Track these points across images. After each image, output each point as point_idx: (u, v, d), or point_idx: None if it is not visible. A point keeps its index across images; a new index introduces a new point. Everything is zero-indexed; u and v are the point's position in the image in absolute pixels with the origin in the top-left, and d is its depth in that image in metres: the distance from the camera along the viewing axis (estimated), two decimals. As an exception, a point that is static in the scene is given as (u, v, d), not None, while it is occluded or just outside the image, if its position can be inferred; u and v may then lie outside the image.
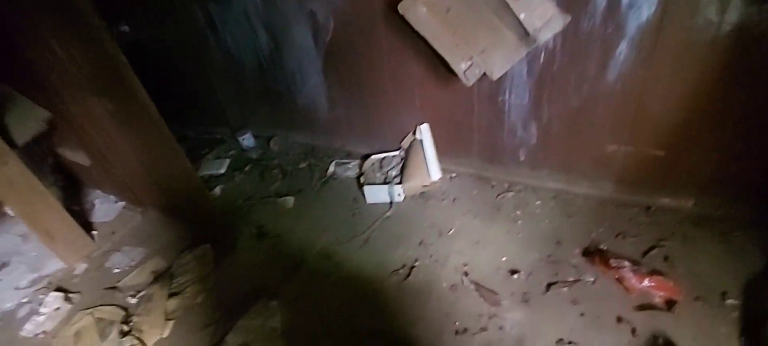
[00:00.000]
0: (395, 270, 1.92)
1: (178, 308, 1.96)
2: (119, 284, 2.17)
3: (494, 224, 2.05)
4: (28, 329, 1.99)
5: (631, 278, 1.61)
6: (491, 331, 1.61)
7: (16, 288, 2.30)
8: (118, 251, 2.42)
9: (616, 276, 1.65)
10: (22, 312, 2.13)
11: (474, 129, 2.18)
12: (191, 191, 2.27)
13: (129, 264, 2.30)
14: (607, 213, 1.98)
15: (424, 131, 2.31)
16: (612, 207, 2.00)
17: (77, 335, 1.94)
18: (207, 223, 2.35)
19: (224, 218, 2.48)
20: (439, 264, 1.91)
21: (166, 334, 1.86)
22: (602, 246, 1.82)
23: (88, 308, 2.06)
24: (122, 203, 2.77)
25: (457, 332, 1.63)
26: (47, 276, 2.34)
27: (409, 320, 1.71)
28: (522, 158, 2.15)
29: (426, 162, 2.26)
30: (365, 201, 2.37)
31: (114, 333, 1.89)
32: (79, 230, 2.36)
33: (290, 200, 2.51)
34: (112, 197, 2.84)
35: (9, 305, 2.20)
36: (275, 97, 2.87)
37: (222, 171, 2.94)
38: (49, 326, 2.01)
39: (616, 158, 1.92)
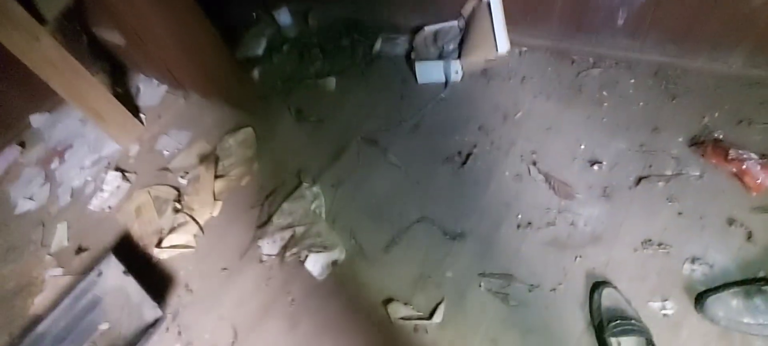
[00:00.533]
0: (449, 157, 1.71)
1: (225, 190, 1.97)
2: (170, 166, 2.21)
3: (572, 106, 1.71)
4: (95, 203, 2.14)
5: (756, 172, 1.27)
6: (560, 226, 1.42)
7: (81, 167, 2.44)
8: (166, 134, 2.43)
9: (735, 170, 1.32)
10: (88, 189, 2.28)
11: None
12: (228, 74, 2.13)
13: (176, 147, 2.31)
14: (729, 94, 1.55)
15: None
16: (736, 86, 1.56)
17: (137, 210, 2.04)
18: (247, 106, 2.24)
19: (264, 101, 2.35)
20: (502, 152, 1.66)
21: (216, 213, 1.89)
22: (717, 134, 1.45)
23: (144, 187, 2.14)
24: (165, 87, 2.73)
25: (518, 226, 1.46)
26: (106, 157, 2.45)
27: (462, 210, 1.55)
28: (620, 22, 1.69)
29: (492, 31, 1.86)
30: (416, 81, 2.09)
31: (169, 210, 1.96)
32: (126, 113, 2.36)
33: (332, 82, 2.29)
34: (154, 80, 2.80)
35: (77, 182, 2.36)
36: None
37: (259, 52, 2.73)
38: (112, 202, 2.14)
39: (761, 17, 1.42)
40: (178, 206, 1.94)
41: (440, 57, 2.02)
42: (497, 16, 1.86)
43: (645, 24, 1.64)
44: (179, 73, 2.43)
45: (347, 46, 2.49)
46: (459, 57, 1.95)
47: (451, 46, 2.04)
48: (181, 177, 2.10)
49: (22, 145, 2.78)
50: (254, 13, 3.06)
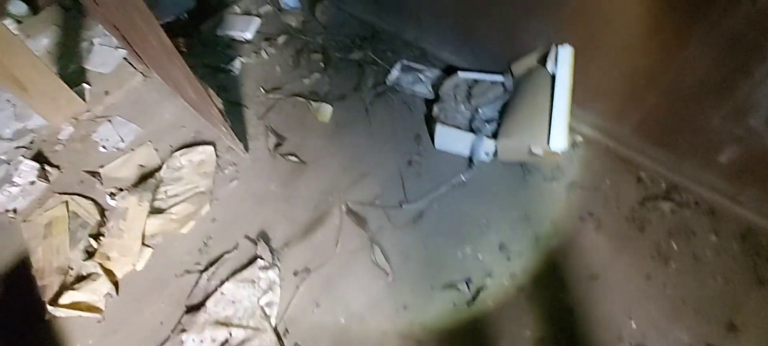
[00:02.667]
0: (453, 283, 1.33)
1: (159, 233, 1.57)
2: (102, 170, 1.79)
3: (629, 252, 1.33)
4: (0, 200, 1.73)
5: None
6: None
7: (0, 137, 2.01)
8: (109, 120, 1.99)
9: None
10: (-3, 173, 1.86)
11: (660, 83, 1.28)
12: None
13: (117, 145, 1.88)
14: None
15: (563, 58, 1.43)
16: None
17: (49, 225, 1.64)
18: (210, 112, 1.80)
19: (236, 109, 1.92)
20: (525, 297, 1.29)
21: (139, 266, 1.50)
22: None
23: (64, 193, 1.73)
24: (123, 53, 2.25)
25: None
26: (32, 131, 2.01)
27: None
28: (722, 159, 1.29)
29: (549, 115, 1.43)
30: (433, 143, 1.68)
31: (83, 242, 1.56)
32: (60, 85, 1.91)
33: (327, 111, 1.86)
34: (113, 39, 2.32)
35: (-14, 157, 1.93)
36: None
37: (248, 36, 2.26)
38: (21, 204, 1.73)
39: None
40: (94, 243, 1.54)
41: (471, 123, 1.60)
42: (561, 97, 1.42)
43: (753, 172, 1.25)
44: (137, 44, 1.96)
45: (356, 63, 2.03)
46: (495, 134, 1.53)
47: (488, 113, 1.61)
48: (111, 195, 1.69)
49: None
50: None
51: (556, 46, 1.44)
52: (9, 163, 1.88)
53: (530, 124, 1.47)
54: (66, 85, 1.94)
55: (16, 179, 1.77)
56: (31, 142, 1.97)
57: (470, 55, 1.83)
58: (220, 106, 1.58)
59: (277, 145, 1.76)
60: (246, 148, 1.78)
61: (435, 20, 1.87)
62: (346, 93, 1.93)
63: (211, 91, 1.54)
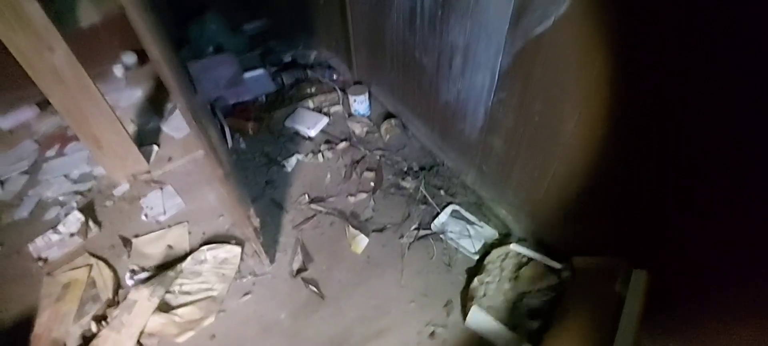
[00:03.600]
0: None
1: (156, 335, 1.49)
2: (134, 241, 1.81)
3: None
4: (37, 245, 1.79)
5: None
6: None
7: (65, 176, 2.16)
8: (161, 187, 2.06)
9: None
10: (48, 215, 1.96)
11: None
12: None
13: (158, 216, 1.91)
14: None
15: (636, 285, 1.18)
16: None
17: (66, 287, 1.66)
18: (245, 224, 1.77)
19: (273, 213, 1.87)
20: None
21: (124, 371, 1.42)
22: None
23: (93, 255, 1.76)
24: (197, 122, 2.39)
25: None
26: (94, 178, 2.14)
27: None
28: None
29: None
30: (463, 321, 1.46)
31: (87, 318, 1.53)
32: (131, 147, 2.03)
33: (362, 242, 1.74)
34: (193, 107, 2.48)
35: (49, 194, 2.07)
36: (409, 64, 1.96)
37: (312, 133, 2.28)
38: (54, 255, 1.78)
39: None
40: (94, 327, 1.50)
41: (512, 312, 1.37)
42: (628, 331, 1.16)
43: None
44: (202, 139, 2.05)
45: (406, 194, 1.93)
46: (538, 334, 1.28)
47: (536, 303, 1.37)
48: (131, 274, 1.67)
49: (43, 106, 2.59)
50: (306, 66, 2.64)
51: (630, 265, 1.20)
52: (62, 207, 1.99)
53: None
54: (136, 147, 2.06)
55: (60, 227, 1.85)
56: (89, 190, 2.08)
57: (531, 225, 1.63)
58: (257, 224, 1.53)
59: (301, 269, 1.65)
60: (272, 259, 1.70)
61: (498, 177, 1.72)
62: (387, 225, 1.80)
63: (251, 211, 1.50)
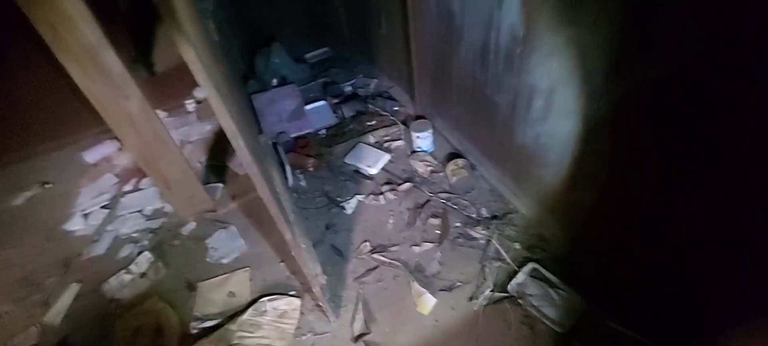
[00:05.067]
0: None
1: (217, 397, 1.44)
2: (199, 286, 1.80)
3: None
4: (111, 285, 1.85)
5: None
6: None
7: (140, 211, 2.24)
8: (225, 227, 2.05)
9: None
10: (122, 252, 2.03)
11: None
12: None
13: (221, 259, 1.90)
14: None
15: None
16: None
17: (135, 333, 1.67)
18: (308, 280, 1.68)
19: (333, 262, 1.77)
20: None
21: None
22: None
23: (162, 298, 1.78)
24: (260, 158, 2.38)
25: None
26: (165, 215, 2.20)
27: None
28: None
29: None
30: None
31: (153, 369, 1.52)
32: (197, 186, 2.05)
33: (428, 302, 1.58)
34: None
35: (124, 230, 2.15)
36: (479, 101, 1.78)
37: (373, 172, 2.17)
38: (124, 294, 1.83)
39: None
40: (158, 381, 1.48)
41: None
42: None
43: None
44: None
45: (477, 246, 1.74)
46: None
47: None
48: (195, 322, 1.65)
49: (124, 142, 2.75)
50: (367, 98, 2.51)
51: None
52: (135, 245, 2.05)
53: None
54: (201, 187, 2.07)
55: (132, 267, 1.89)
56: (160, 227, 2.13)
57: (627, 296, 1.37)
58: (324, 281, 1.43)
59: (363, 334, 1.52)
60: (336, 313, 1.59)
61: (585, 235, 1.48)
62: (457, 283, 1.63)
63: (319, 270, 1.41)
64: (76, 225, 2.25)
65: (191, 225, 2.11)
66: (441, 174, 2.09)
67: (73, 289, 1.92)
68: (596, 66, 1.15)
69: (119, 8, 2.44)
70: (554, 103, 1.37)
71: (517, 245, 1.71)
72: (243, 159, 1.01)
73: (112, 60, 1.52)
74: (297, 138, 2.45)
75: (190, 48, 0.74)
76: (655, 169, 1.11)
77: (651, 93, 1.03)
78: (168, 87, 2.72)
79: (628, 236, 1.31)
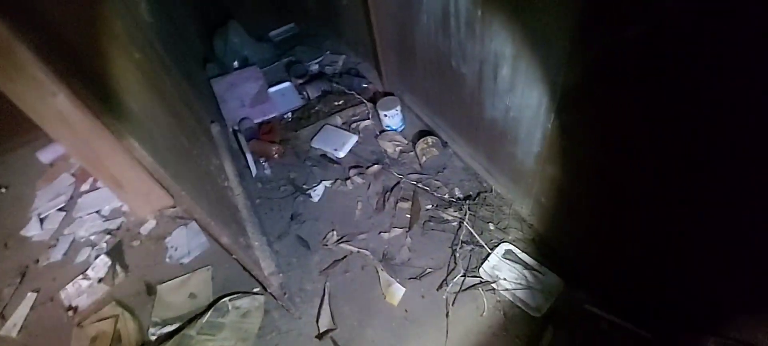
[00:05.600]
0: None
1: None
2: (158, 289, 1.71)
3: None
4: (68, 292, 1.76)
5: None
6: None
7: (98, 212, 2.12)
8: (186, 224, 1.94)
9: None
10: (80, 258, 1.92)
11: None
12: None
13: (181, 259, 1.80)
14: None
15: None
16: None
17: (93, 341, 1.59)
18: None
19: (299, 254, 1.68)
20: None
21: None
22: None
23: (121, 303, 1.68)
24: (222, 147, 2.25)
25: None
26: (124, 214, 2.08)
27: None
28: None
29: None
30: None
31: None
32: (151, 183, 1.92)
33: (397, 292, 1.50)
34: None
35: (82, 233, 2.03)
36: (446, 73, 1.64)
37: (340, 155, 2.05)
38: (83, 303, 1.73)
39: None
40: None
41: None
42: None
43: None
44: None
45: (449, 229, 1.64)
46: None
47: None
48: (154, 327, 1.57)
49: (81, 138, 2.60)
50: (333, 77, 2.37)
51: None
52: (93, 248, 1.94)
53: None
54: (158, 184, 1.94)
55: (89, 272, 1.80)
56: (118, 228, 2.02)
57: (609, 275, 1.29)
58: (281, 280, 1.34)
59: (328, 331, 1.43)
60: (300, 309, 1.51)
61: (562, 213, 1.38)
62: (427, 270, 1.54)
63: (273, 266, 1.31)
64: (32, 230, 2.13)
65: (151, 223, 1.99)
66: (411, 154, 1.98)
67: (30, 298, 1.82)
68: (561, 27, 1.02)
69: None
70: (520, 72, 1.24)
71: (491, 226, 1.61)
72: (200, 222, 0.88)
73: (26, 56, 1.36)
74: (261, 123, 2.31)
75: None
76: (627, 142, 1.00)
77: (618, 59, 0.91)
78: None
79: (606, 214, 1.22)
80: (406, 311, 1.47)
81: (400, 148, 1.99)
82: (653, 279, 1.16)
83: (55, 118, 1.54)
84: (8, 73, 1.37)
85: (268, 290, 1.55)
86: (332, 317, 1.49)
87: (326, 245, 1.71)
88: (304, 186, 1.96)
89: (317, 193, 1.91)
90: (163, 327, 1.58)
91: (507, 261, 1.49)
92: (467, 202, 1.70)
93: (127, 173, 1.83)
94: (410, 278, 1.53)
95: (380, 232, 1.70)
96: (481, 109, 1.54)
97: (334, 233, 1.74)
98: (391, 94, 2.18)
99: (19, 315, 1.77)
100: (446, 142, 1.91)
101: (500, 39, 1.25)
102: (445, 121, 1.90)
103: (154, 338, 1.55)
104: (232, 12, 2.76)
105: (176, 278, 1.74)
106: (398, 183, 1.86)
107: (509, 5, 1.15)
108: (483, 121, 1.57)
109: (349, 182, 1.92)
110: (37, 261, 1.99)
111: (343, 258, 1.65)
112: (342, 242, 1.70)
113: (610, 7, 0.87)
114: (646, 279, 1.18)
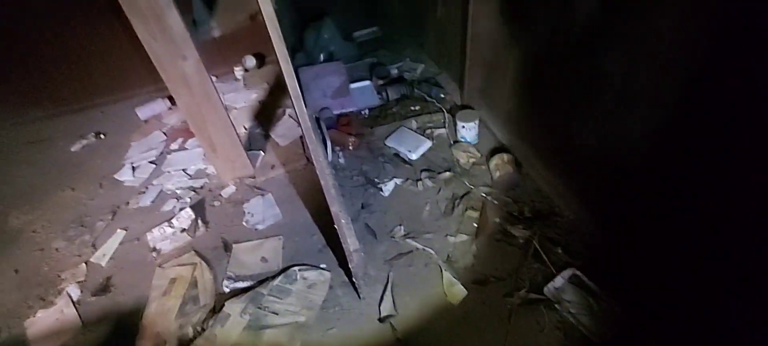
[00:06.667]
0: None
1: (244, 356, 1.49)
2: (234, 246, 1.87)
3: None
4: (154, 235, 1.96)
5: None
6: None
7: (184, 170, 2.35)
8: (263, 194, 2.11)
9: None
10: (165, 207, 2.14)
11: None
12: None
13: (256, 225, 1.96)
14: None
15: None
16: None
17: (173, 282, 1.77)
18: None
19: (366, 241, 1.78)
20: None
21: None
22: None
23: (199, 254, 1.86)
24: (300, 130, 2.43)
25: None
26: (207, 176, 2.30)
27: None
28: None
29: None
30: None
31: (187, 319, 1.60)
32: (241, 151, 2.13)
33: (459, 293, 1.56)
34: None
35: (169, 186, 2.26)
36: (537, 96, 1.71)
37: (413, 156, 2.16)
38: (166, 247, 1.92)
39: None
40: (191, 333, 1.56)
41: None
42: None
43: None
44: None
45: (516, 245, 1.69)
46: None
47: None
48: (229, 281, 1.72)
49: (173, 100, 2.87)
50: (412, 83, 2.47)
51: None
52: (178, 201, 2.15)
53: None
54: (245, 153, 2.14)
55: (174, 221, 1.99)
56: (202, 187, 2.23)
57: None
58: (361, 256, 1.45)
59: (389, 316, 1.52)
60: (361, 294, 1.60)
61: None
62: (491, 279, 1.60)
63: (357, 244, 1.42)
64: (125, 176, 2.39)
65: (231, 188, 2.18)
66: (483, 167, 2.05)
67: (119, 235, 2.04)
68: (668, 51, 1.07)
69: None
70: (628, 95, 1.29)
71: (559, 249, 1.65)
72: (302, 122, 1.02)
73: (175, 20, 1.59)
74: (340, 115, 2.47)
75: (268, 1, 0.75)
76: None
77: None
78: (221, 53, 2.81)
79: (676, 248, 1.23)
80: (466, 313, 1.52)
81: (473, 160, 2.06)
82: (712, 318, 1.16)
83: (179, 79, 1.76)
84: (154, 32, 1.60)
85: (339, 267, 1.67)
86: (394, 304, 1.57)
87: (393, 238, 1.81)
88: (376, 180, 2.08)
89: (387, 188, 2.02)
90: (236, 282, 1.73)
91: (572, 285, 1.52)
92: (537, 222, 1.74)
93: (223, 140, 2.04)
94: (473, 282, 1.59)
95: (446, 235, 1.78)
96: (571, 135, 1.60)
97: (402, 227, 1.84)
98: (470, 107, 2.27)
99: (108, 247, 2.00)
100: (521, 163, 1.97)
101: (610, 58, 1.31)
102: (523, 142, 1.96)
103: (227, 290, 1.70)
104: (326, 9, 2.98)
105: (251, 240, 1.90)
106: (468, 193, 1.93)
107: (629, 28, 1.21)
108: (572, 146, 1.61)
109: (419, 183, 2.01)
110: (128, 203, 2.23)
111: (408, 252, 1.74)
112: (408, 238, 1.79)
113: None
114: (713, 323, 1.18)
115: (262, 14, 0.80)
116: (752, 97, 0.90)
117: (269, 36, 0.87)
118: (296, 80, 0.95)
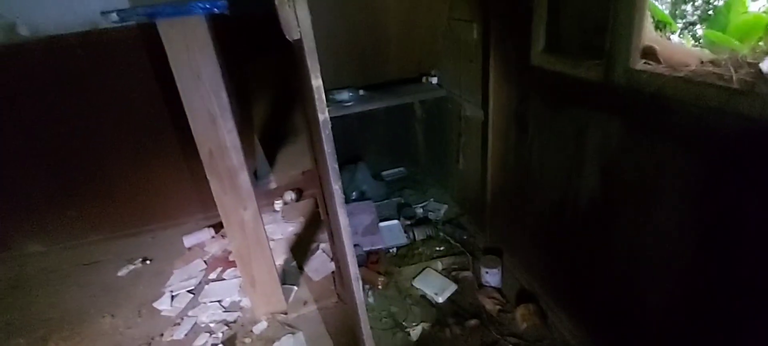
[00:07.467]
0: None
1: None
2: (262, 392, 1.88)
3: None
4: (185, 373, 2.00)
5: None
6: None
7: (220, 302, 2.46)
8: (293, 333, 2.18)
9: None
10: (200, 340, 2.21)
11: None
12: None
13: (286, 367, 1.99)
14: None
15: None
16: None
17: None
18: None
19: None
20: None
21: None
22: None
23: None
24: (333, 266, 2.58)
25: None
26: (241, 309, 2.40)
27: None
28: None
29: None
30: None
31: None
32: (277, 287, 2.26)
33: None
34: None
35: (204, 319, 2.36)
36: (555, 251, 1.84)
37: (439, 299, 2.23)
38: (197, 386, 1.95)
39: None
40: None
41: None
42: None
43: None
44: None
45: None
46: None
47: None
48: None
49: (217, 229, 3.13)
50: (437, 223, 2.62)
51: None
52: (210, 336, 2.23)
53: None
54: (281, 289, 2.27)
55: (202, 362, 2.04)
56: (235, 321, 2.31)
57: None
58: None
59: None
60: None
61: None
62: None
63: None
64: (163, 305, 2.52)
65: (263, 324, 2.26)
66: (510, 315, 2.10)
67: (151, 369, 2.09)
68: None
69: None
70: (641, 266, 1.41)
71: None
72: (349, 257, 1.16)
73: (244, 180, 1.88)
74: (369, 252, 2.63)
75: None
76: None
77: None
78: (270, 195, 3.15)
79: None
80: None
81: (499, 307, 2.13)
82: None
83: (237, 225, 2.00)
84: (225, 188, 1.88)
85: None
86: None
87: (422, 390, 1.80)
88: (403, 323, 2.14)
89: (416, 333, 2.07)
90: None
91: None
92: (568, 381, 1.73)
93: (263, 276, 2.19)
94: None
95: (476, 390, 1.77)
96: (591, 289, 1.69)
97: (430, 378, 1.84)
98: (493, 250, 2.41)
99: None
100: (547, 314, 2.02)
101: (620, 236, 1.46)
102: (546, 292, 2.03)
103: None
104: (360, 152, 3.36)
105: (279, 385, 1.92)
106: (496, 342, 1.96)
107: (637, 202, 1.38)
108: (593, 300, 1.70)
109: (447, 329, 2.06)
110: (162, 335, 2.31)
111: (437, 408, 1.72)
112: (437, 391, 1.78)
113: None
114: None
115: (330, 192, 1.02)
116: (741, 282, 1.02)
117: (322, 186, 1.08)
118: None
